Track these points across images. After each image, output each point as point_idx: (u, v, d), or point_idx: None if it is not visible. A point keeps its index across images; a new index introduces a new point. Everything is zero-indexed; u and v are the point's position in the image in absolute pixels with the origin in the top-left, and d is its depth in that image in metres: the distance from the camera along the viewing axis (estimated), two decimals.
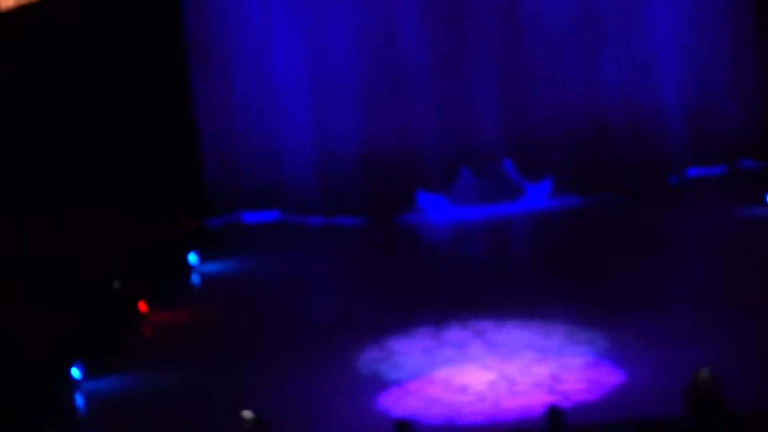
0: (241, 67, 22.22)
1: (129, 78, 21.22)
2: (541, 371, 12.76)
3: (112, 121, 21.21)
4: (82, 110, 20.70)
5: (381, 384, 12.93)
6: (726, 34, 21.94)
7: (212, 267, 19.15)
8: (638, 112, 21.87)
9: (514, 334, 14.15)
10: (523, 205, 21.39)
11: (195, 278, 18.79)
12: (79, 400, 13.73)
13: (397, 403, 12.34)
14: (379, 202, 21.74)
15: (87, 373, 13.98)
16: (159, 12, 21.44)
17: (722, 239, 17.72)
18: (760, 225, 18.35)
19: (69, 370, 13.95)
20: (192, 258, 19.09)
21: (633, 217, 19.92)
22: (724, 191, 20.75)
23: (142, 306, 16.62)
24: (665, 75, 22.01)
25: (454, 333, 14.46)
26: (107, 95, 20.97)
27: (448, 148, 21.59)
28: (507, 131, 21.72)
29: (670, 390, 10.68)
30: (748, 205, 19.28)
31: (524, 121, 21.63)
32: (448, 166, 21.63)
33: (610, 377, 12.43)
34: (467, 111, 21.61)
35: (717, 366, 10.10)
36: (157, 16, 21.42)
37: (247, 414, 10.14)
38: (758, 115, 22.15)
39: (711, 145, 22.20)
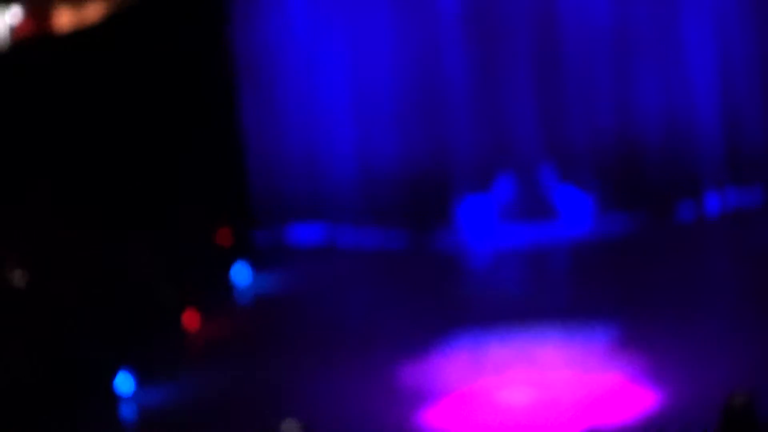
0: (287, 86, 22.42)
1: (182, 97, 21.43)
2: (581, 391, 12.78)
3: (167, 140, 21.41)
4: (140, 133, 20.91)
5: (421, 399, 13.00)
6: (759, 56, 21.92)
7: (256, 280, 19.31)
8: (674, 133, 21.88)
9: (555, 352, 14.22)
10: (563, 226, 21.45)
11: (239, 291, 18.95)
12: (123, 410, 13.89)
13: (436, 419, 12.40)
14: (420, 218, 21.89)
15: (131, 383, 14.12)
16: (210, 34, 21.67)
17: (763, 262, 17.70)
18: None
19: (113, 379, 14.13)
20: (237, 271, 19.26)
21: (673, 240, 19.93)
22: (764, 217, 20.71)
23: (188, 317, 16.77)
24: (701, 97, 22.00)
25: (495, 350, 14.55)
26: (161, 117, 21.20)
27: (485, 157, 21.68)
28: (545, 146, 21.86)
29: (708, 412, 10.72)
30: None
31: (563, 138, 21.72)
32: (485, 170, 21.74)
33: (650, 399, 12.44)
34: (504, 125, 21.74)
35: (754, 388, 10.15)
36: (209, 38, 21.66)
37: (290, 424, 10.21)
38: None
39: (748, 168, 22.15)
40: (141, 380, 14.29)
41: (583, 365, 13.68)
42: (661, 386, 12.69)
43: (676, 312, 15.55)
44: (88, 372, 14.24)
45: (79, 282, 16.71)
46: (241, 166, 22.55)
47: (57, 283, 16.58)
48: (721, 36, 22.00)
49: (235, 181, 22.33)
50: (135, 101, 21.16)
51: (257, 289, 18.99)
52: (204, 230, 20.58)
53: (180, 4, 21.15)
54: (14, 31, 19.58)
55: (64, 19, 20.02)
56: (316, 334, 16.24)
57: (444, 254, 20.64)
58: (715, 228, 20.84)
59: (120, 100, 20.97)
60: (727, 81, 22.05)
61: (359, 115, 22.27)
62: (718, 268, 18.29)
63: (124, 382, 14.15)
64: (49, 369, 14.18)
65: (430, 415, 12.54)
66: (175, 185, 21.34)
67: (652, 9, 21.66)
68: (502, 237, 21.12)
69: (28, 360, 14.36)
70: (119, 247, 18.29)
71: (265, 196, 22.67)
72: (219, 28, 21.88)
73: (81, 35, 19.86)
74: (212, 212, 21.32)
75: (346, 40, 22.19)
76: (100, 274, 17.05)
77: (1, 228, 17.76)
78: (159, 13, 20.96)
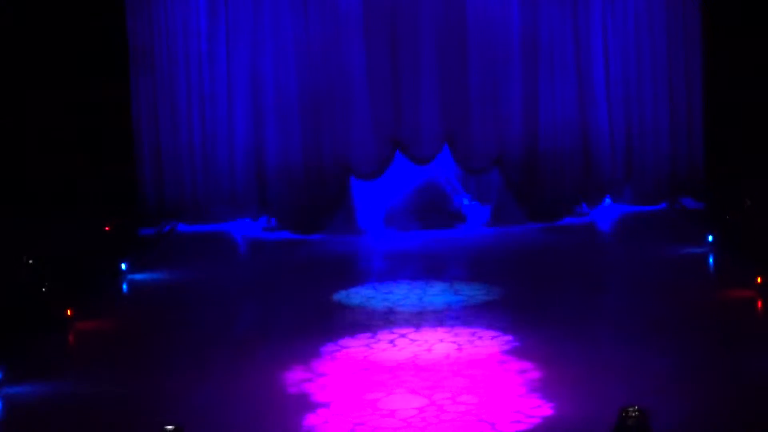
0: (186, 78, 22.14)
1: (67, 81, 21.06)
2: (470, 400, 12.62)
3: (48, 122, 21.02)
4: (20, 109, 20.47)
5: (306, 405, 12.73)
6: (667, 70, 22.15)
7: (143, 276, 18.95)
8: (578, 146, 22.01)
9: (444, 360, 14.04)
10: (461, 232, 21.46)
11: (125, 287, 18.56)
12: None
13: (321, 425, 12.15)
14: (314, 215, 21.74)
15: (6, 378, 13.65)
16: (105, 22, 21.35)
17: (659, 275, 17.80)
18: (698, 263, 18.44)
19: None
20: (123, 266, 18.85)
21: (570, 250, 20.02)
22: (664, 228, 20.91)
23: (69, 312, 16.31)
24: (606, 110, 22.17)
25: (384, 356, 14.33)
26: (50, 106, 20.79)
27: (383, 157, 21.66)
28: (446, 150, 21.83)
29: (599, 426, 10.62)
30: (688, 243, 19.39)
31: (465, 143, 21.62)
32: (382, 169, 21.73)
33: (540, 409, 12.31)
34: (405, 127, 21.59)
35: (645, 404, 10.06)
36: (103, 26, 21.32)
37: (170, 428, 9.94)
38: (699, 155, 22.36)
39: (651, 182, 22.37)
40: (14, 376, 13.78)
41: (473, 372, 13.52)
42: (553, 397, 12.55)
43: (571, 323, 15.49)
44: None
45: None
46: (132, 158, 22.20)
47: None
48: (624, 48, 22.15)
49: (125, 173, 22.00)
50: (21, 89, 20.76)
51: (145, 284, 18.61)
52: (92, 223, 20.20)
53: None
54: None
55: None
56: (200, 330, 15.86)
57: (339, 250, 20.49)
58: (612, 235, 21.07)
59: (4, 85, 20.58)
60: (628, 92, 22.21)
61: (256, 108, 22.05)
62: (613, 277, 18.35)
63: None
64: None
65: (315, 421, 12.27)
66: (63, 177, 20.96)
67: (560, 18, 21.74)
68: (397, 239, 21.09)
69: None
70: None
71: (156, 191, 22.34)
72: (114, 15, 21.53)
73: None
74: (101, 205, 20.98)
75: (246, 32, 21.94)
76: None
77: None
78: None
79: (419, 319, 15.93)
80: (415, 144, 21.72)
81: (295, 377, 13.66)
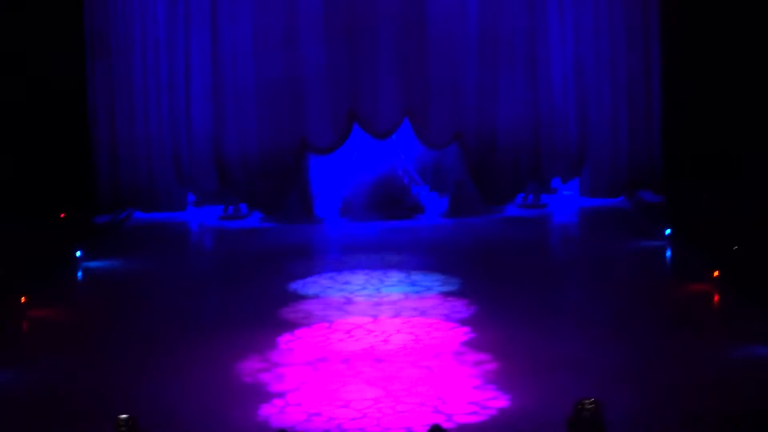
0: (142, 65, 22.02)
1: (20, 66, 20.88)
2: (426, 391, 12.59)
3: (9, 119, 20.85)
4: None
5: (261, 395, 12.66)
6: (625, 64, 22.24)
7: (98, 264, 18.79)
8: (535, 138, 22.11)
9: (401, 351, 13.99)
10: (419, 223, 21.45)
11: (79, 274, 18.40)
12: None
13: (276, 415, 12.09)
14: (272, 194, 21.74)
15: None
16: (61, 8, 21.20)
17: (616, 268, 17.86)
18: (655, 256, 18.50)
19: None
20: (77, 254, 18.69)
21: (528, 242, 20.04)
22: (622, 221, 20.96)
23: (22, 300, 16.13)
24: (564, 102, 22.25)
25: (340, 346, 14.27)
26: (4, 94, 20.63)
27: (339, 148, 21.77)
28: (401, 142, 22.04)
29: (554, 417, 10.62)
30: (646, 236, 19.44)
31: (424, 117, 21.61)
32: (338, 157, 21.88)
33: (495, 401, 12.31)
34: (364, 103, 21.57)
35: (601, 396, 10.06)
36: (59, 13, 21.17)
37: (123, 417, 9.86)
38: (657, 148, 22.43)
39: (608, 174, 22.44)
40: None
41: (430, 363, 13.49)
42: (509, 389, 12.55)
43: (527, 315, 15.49)
44: None
45: None
46: (87, 146, 22.04)
47: None
48: (581, 40, 22.22)
49: (80, 161, 21.83)
50: None
51: (99, 272, 18.46)
52: (44, 212, 20.01)
53: None
54: None
55: None
56: (155, 319, 15.77)
57: (295, 239, 20.45)
58: (570, 227, 21.15)
59: None
60: (584, 82, 22.29)
61: (215, 92, 22.01)
62: (570, 270, 18.40)
63: None
64: None
65: (271, 410, 12.21)
66: (17, 165, 20.78)
67: (516, 15, 21.83)
68: (354, 229, 21.07)
69: None
70: None
71: (111, 179, 22.20)
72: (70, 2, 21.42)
73: None
74: (55, 191, 20.79)
75: (204, 18, 21.86)
76: None
77: None
78: None
79: (376, 309, 15.89)
80: (373, 117, 21.70)
81: (250, 367, 13.59)
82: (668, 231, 18.93)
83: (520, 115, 22.06)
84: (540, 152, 22.24)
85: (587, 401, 9.78)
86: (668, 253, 18.64)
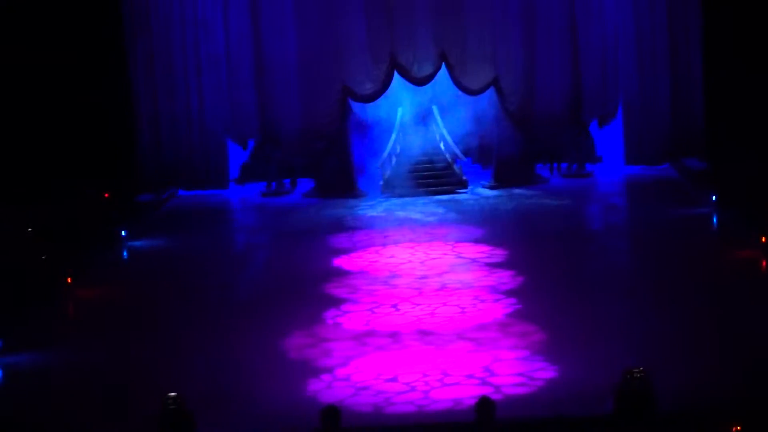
0: (182, 42, 22.08)
1: (65, 50, 20.97)
2: (473, 363, 12.55)
3: (46, 89, 20.94)
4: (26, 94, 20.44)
5: (308, 370, 12.65)
6: (667, 32, 22.10)
7: (142, 243, 18.87)
8: (577, 104, 22.06)
9: (447, 324, 13.96)
10: (462, 195, 21.41)
11: (124, 253, 18.48)
12: None
13: (324, 390, 12.09)
14: (321, 176, 21.82)
15: (6, 347, 13.57)
16: None
17: (662, 236, 17.72)
18: (701, 223, 18.36)
19: None
20: (122, 233, 18.77)
21: (573, 211, 19.97)
22: (668, 189, 20.83)
23: (68, 280, 16.23)
24: (607, 69, 22.19)
25: (387, 320, 14.26)
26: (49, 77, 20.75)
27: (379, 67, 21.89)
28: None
29: (602, 388, 10.55)
30: (691, 203, 19.31)
31: (461, 63, 21.75)
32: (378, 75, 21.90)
33: (543, 372, 12.25)
34: (403, 49, 21.84)
35: (648, 365, 9.99)
36: None
37: (172, 395, 9.88)
38: (700, 115, 22.29)
39: (652, 143, 22.34)
40: (14, 345, 13.71)
41: (476, 335, 13.45)
42: (556, 360, 12.49)
43: (574, 285, 15.42)
44: None
45: None
46: (130, 127, 22.14)
47: None
48: (629, 14, 22.20)
49: (124, 142, 21.93)
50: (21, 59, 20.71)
51: (144, 251, 18.54)
52: (90, 191, 20.13)
53: None
54: None
55: None
56: (202, 296, 15.78)
57: (340, 214, 20.53)
58: (615, 196, 21.06)
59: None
60: (634, 59, 22.24)
61: (258, 68, 22.08)
62: (617, 238, 18.29)
63: None
64: None
65: (319, 385, 12.20)
66: (60, 147, 20.89)
67: None
68: (398, 203, 21.04)
69: None
70: None
71: (155, 154, 22.31)
72: None
73: None
74: (99, 171, 20.91)
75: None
76: None
77: None
78: None
79: (421, 282, 15.86)
80: (412, 63, 21.76)
81: (297, 342, 13.59)
82: (714, 197, 18.76)
83: (557, 65, 22.04)
84: (580, 97, 22.18)
85: (636, 370, 9.71)
86: (714, 220, 18.49)
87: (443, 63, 21.69)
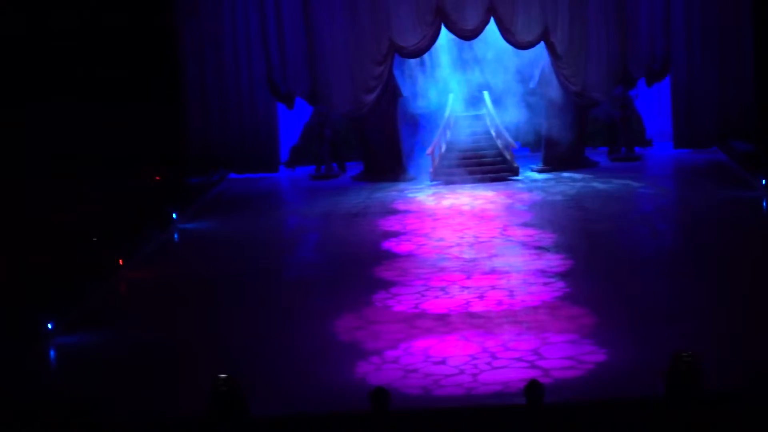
0: (231, 21, 22.19)
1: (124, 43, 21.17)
2: (522, 346, 12.57)
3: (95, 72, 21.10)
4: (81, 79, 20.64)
5: (358, 352, 12.72)
6: (717, 10, 21.96)
7: (193, 225, 18.99)
8: (623, 60, 21.99)
9: (496, 307, 13.98)
10: (511, 179, 21.38)
11: (175, 236, 18.62)
12: (51, 353, 13.50)
13: (373, 372, 12.15)
14: (372, 162, 21.85)
15: (59, 328, 13.73)
16: None
17: (712, 219, 17.63)
18: (751, 206, 18.25)
19: (42, 322, 13.68)
20: (173, 215, 18.90)
21: (622, 194, 19.89)
22: (716, 171, 20.72)
23: (120, 262, 16.39)
24: (655, 31, 22.08)
25: (436, 303, 14.29)
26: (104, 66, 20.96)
27: (425, 19, 21.84)
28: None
29: (651, 370, 10.54)
30: (741, 186, 19.20)
31: (510, 33, 21.65)
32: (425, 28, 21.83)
33: (592, 355, 12.24)
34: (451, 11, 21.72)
35: (697, 347, 9.97)
36: None
37: (223, 376, 9.94)
38: (750, 98, 22.13)
39: (701, 126, 22.23)
40: (66, 325, 13.87)
41: (525, 318, 13.46)
42: (605, 343, 12.48)
43: (623, 268, 15.39)
44: (14, 313, 13.79)
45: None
46: (180, 112, 22.25)
47: None
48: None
49: (173, 126, 22.05)
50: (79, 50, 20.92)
51: (194, 233, 18.66)
52: (140, 173, 20.29)
53: None
54: None
55: None
56: (252, 279, 15.90)
57: (389, 197, 20.57)
58: (664, 179, 20.95)
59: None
60: (682, 42, 22.11)
61: (311, 56, 22.09)
62: (666, 222, 18.22)
63: (50, 325, 13.71)
64: None
65: (368, 368, 12.26)
66: (112, 130, 21.04)
67: None
68: (447, 187, 21.01)
69: None
70: (47, 193, 17.98)
71: (203, 137, 22.42)
72: None
73: None
74: (148, 156, 21.04)
75: None
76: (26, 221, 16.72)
77: None
78: None
79: (471, 265, 15.88)
80: (460, 15, 21.64)
81: (346, 325, 13.66)
82: (764, 180, 18.65)
83: (605, 23, 21.89)
84: (627, 57, 22.07)
85: (684, 353, 9.67)
86: (765, 203, 18.38)
87: (491, 17, 21.48)
